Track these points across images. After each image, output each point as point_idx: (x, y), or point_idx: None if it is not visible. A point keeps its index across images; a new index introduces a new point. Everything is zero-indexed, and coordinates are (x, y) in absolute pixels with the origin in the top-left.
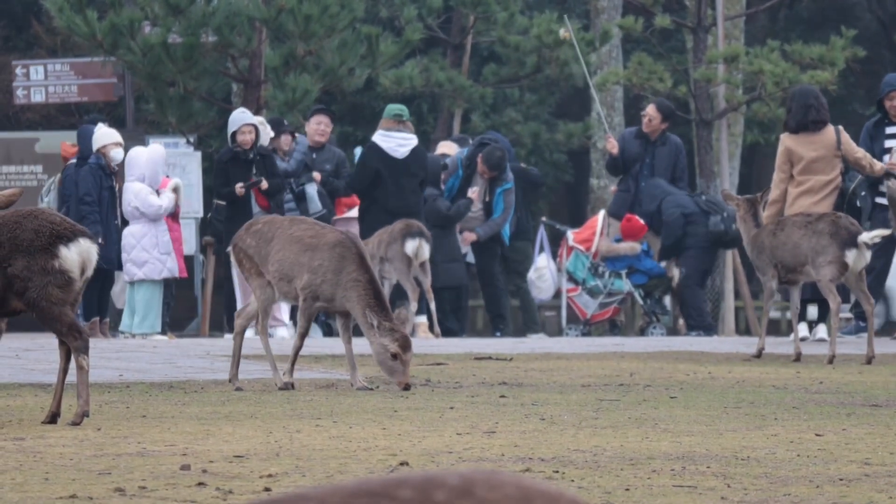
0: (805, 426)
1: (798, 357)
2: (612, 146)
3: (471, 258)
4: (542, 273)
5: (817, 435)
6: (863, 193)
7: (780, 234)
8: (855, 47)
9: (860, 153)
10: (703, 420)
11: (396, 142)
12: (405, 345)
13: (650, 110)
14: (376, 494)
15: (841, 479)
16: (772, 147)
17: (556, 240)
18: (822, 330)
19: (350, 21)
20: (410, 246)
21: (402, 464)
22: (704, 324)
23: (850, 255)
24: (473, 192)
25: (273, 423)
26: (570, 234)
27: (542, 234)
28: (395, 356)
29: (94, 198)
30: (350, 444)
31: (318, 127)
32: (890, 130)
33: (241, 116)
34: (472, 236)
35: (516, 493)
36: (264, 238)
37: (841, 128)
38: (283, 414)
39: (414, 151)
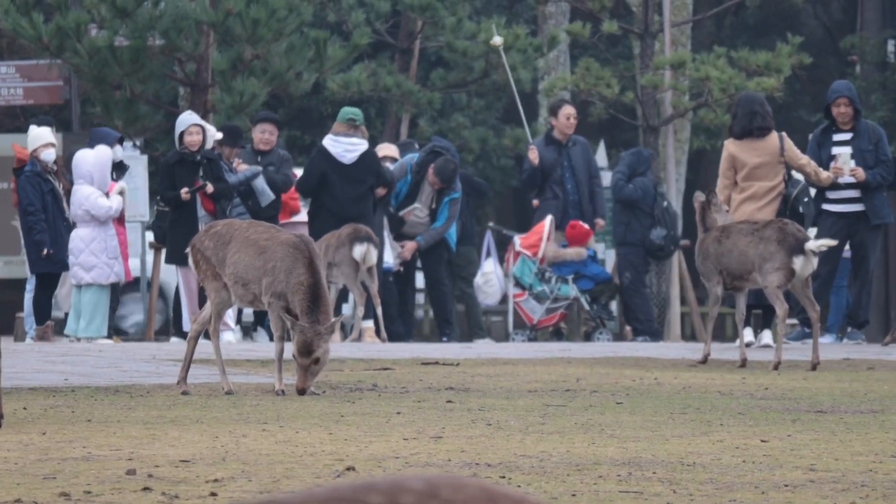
0: (750, 432)
1: (744, 363)
2: (534, 156)
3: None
4: (489, 278)
5: (763, 441)
6: (805, 199)
7: (725, 242)
8: (801, 54)
9: (804, 160)
10: (650, 426)
11: (344, 147)
12: (301, 349)
13: (571, 110)
14: (348, 500)
15: (786, 485)
16: (718, 153)
17: (503, 245)
18: (766, 336)
19: (298, 25)
20: (358, 251)
21: (348, 469)
22: (651, 329)
23: (798, 262)
24: (409, 213)
25: (219, 428)
26: (517, 240)
27: (488, 239)
28: (294, 356)
29: (38, 206)
30: (296, 448)
31: (262, 136)
32: (837, 137)
33: (188, 118)
34: (413, 245)
35: (481, 495)
36: (222, 241)
37: (784, 134)
38: (229, 418)
39: (362, 157)
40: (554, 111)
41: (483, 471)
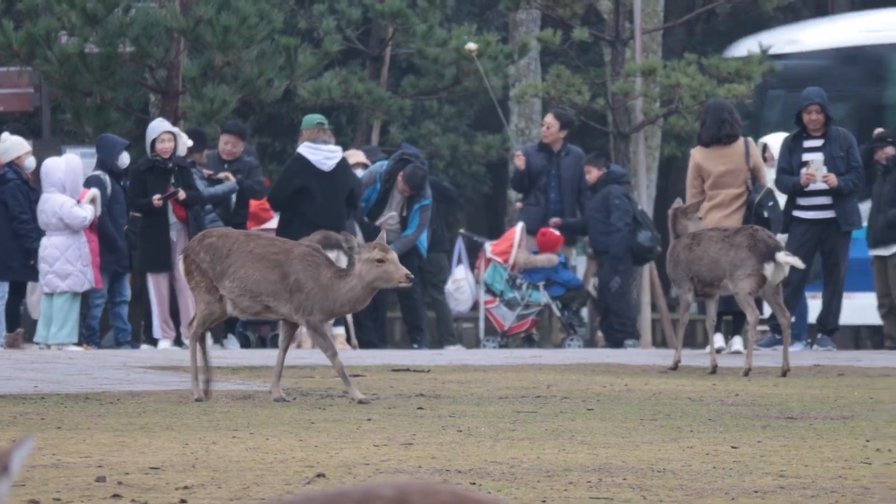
0: (721, 438)
1: (714, 369)
2: (521, 162)
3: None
4: (460, 285)
5: (733, 447)
6: (770, 204)
7: (696, 249)
8: (771, 61)
9: (762, 164)
10: (620, 432)
11: (324, 154)
12: (383, 248)
13: (548, 119)
14: None
15: (756, 492)
16: (688, 160)
17: (474, 252)
18: (737, 342)
19: (268, 32)
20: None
21: (318, 475)
22: (635, 332)
23: (769, 268)
24: (384, 222)
25: (189, 435)
26: (488, 246)
27: (459, 245)
28: (380, 261)
29: (29, 214)
30: (266, 455)
31: (226, 147)
32: (808, 144)
33: (160, 125)
34: None
35: (452, 500)
36: (219, 253)
37: (751, 140)
38: (199, 425)
39: (340, 164)
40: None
41: (453, 477)
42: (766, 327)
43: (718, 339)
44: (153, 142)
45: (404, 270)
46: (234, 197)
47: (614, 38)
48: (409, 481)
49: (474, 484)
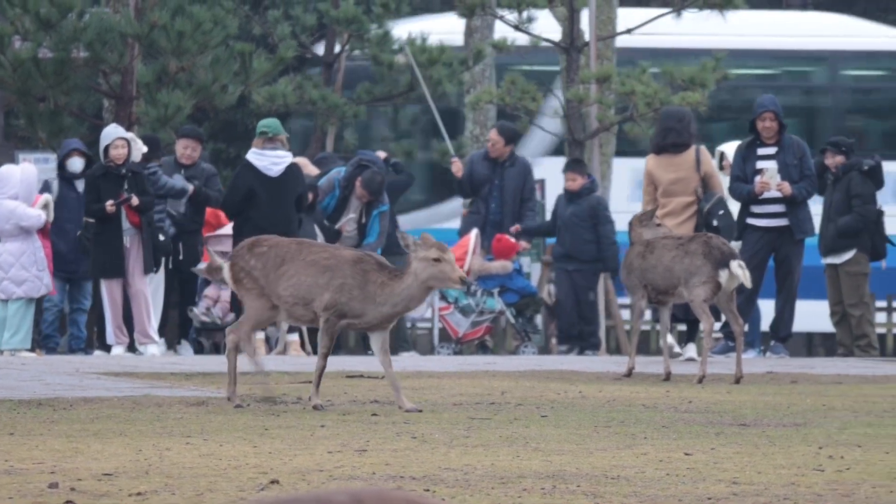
0: (674, 445)
1: (668, 376)
2: (458, 170)
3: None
4: None
5: (686, 454)
6: (721, 212)
7: (649, 257)
8: (725, 68)
9: (716, 171)
10: (574, 439)
11: (270, 160)
12: (441, 247)
13: (492, 135)
14: None
15: (709, 498)
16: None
17: None
18: (691, 349)
19: (223, 38)
20: None
21: (272, 482)
22: (598, 343)
23: (724, 276)
24: (343, 225)
25: (142, 441)
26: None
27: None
28: (437, 259)
29: None
30: (220, 461)
31: (185, 151)
32: (762, 151)
33: (113, 131)
34: None
35: None
36: (272, 262)
37: (703, 148)
38: (152, 432)
39: (289, 169)
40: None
41: (407, 483)
42: (719, 334)
43: (670, 340)
44: (107, 148)
45: (460, 272)
46: (184, 202)
47: (569, 44)
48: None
49: (428, 490)
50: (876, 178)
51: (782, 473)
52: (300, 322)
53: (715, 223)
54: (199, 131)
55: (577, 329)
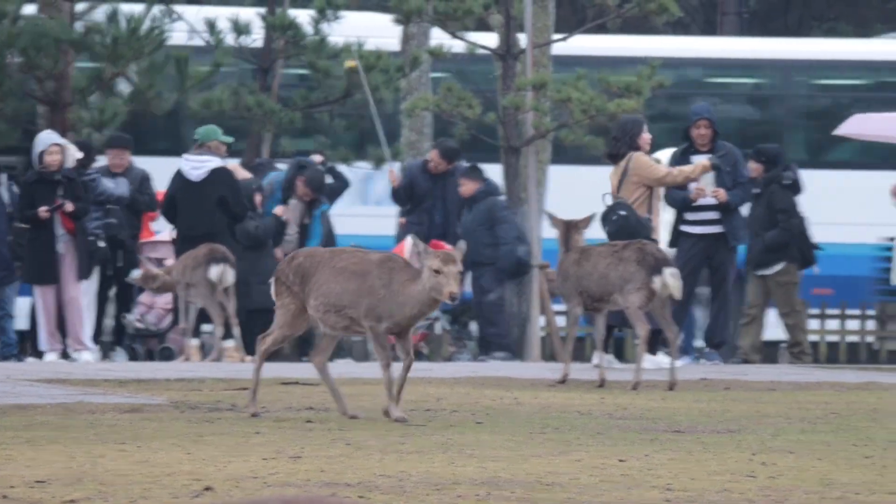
0: (608, 452)
1: (602, 383)
2: (394, 180)
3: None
4: None
5: (620, 460)
6: (613, 217)
7: (585, 264)
8: (661, 76)
9: (661, 172)
10: (509, 445)
11: (192, 164)
12: (446, 259)
13: (433, 156)
14: None
15: None
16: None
17: None
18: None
19: (159, 44)
20: (214, 271)
21: (206, 489)
22: (509, 346)
23: (657, 282)
24: (280, 210)
25: (76, 448)
26: None
27: None
28: (437, 271)
29: None
30: (154, 468)
31: (114, 161)
32: (696, 159)
33: (48, 137)
34: None
35: None
36: (307, 273)
37: (633, 155)
38: (86, 439)
39: (213, 172)
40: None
41: (342, 490)
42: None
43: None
44: (41, 154)
45: (452, 288)
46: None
47: (505, 51)
48: (298, 494)
49: (363, 497)
50: (795, 189)
51: (716, 480)
52: (335, 330)
53: (606, 228)
54: (125, 138)
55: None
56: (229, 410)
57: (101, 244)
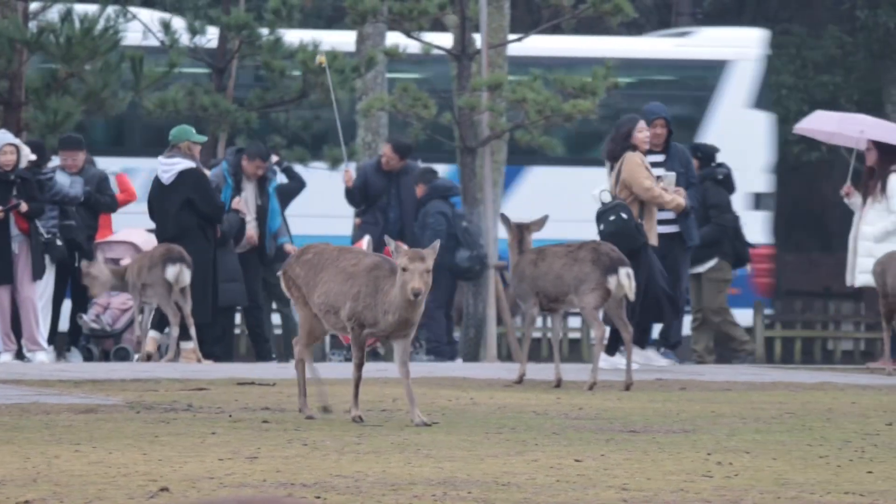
0: (565, 452)
1: (559, 383)
2: (349, 179)
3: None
4: None
5: (576, 460)
6: (611, 218)
7: (541, 264)
8: (616, 77)
9: (646, 184)
10: (465, 445)
11: (163, 168)
12: (413, 256)
13: (386, 151)
14: None
15: None
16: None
17: None
18: (643, 355)
19: (114, 44)
20: (171, 271)
21: (162, 489)
22: (448, 352)
23: (612, 281)
24: (238, 202)
25: (31, 449)
26: None
27: None
28: (403, 269)
29: None
30: (109, 469)
31: (66, 161)
32: (651, 158)
33: (1, 136)
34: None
35: None
36: (313, 269)
37: (627, 155)
38: (41, 439)
39: (181, 174)
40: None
41: (298, 491)
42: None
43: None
44: None
45: (414, 283)
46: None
47: (460, 52)
48: (254, 495)
49: (319, 498)
50: (729, 186)
51: (671, 479)
52: (336, 330)
53: (601, 227)
54: (76, 139)
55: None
56: (185, 411)
57: (59, 243)
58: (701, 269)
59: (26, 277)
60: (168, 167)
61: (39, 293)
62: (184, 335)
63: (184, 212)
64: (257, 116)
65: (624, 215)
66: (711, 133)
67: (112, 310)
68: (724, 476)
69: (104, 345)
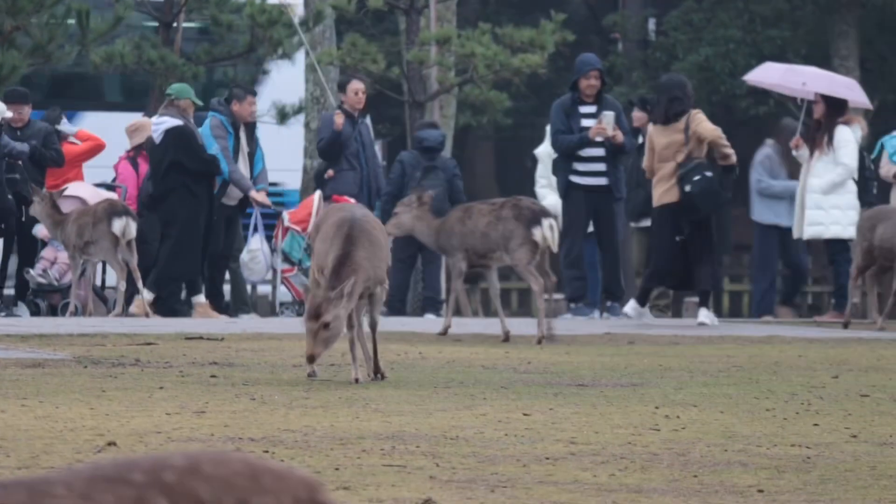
0: (513, 406)
1: (507, 337)
2: (341, 122)
3: None
4: (255, 255)
5: (525, 414)
6: (695, 178)
7: (468, 222)
8: (564, 31)
9: (718, 132)
10: (414, 400)
11: (153, 127)
12: (308, 313)
13: (359, 86)
14: (110, 479)
15: (547, 458)
16: (483, 129)
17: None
18: (703, 314)
19: None
20: (117, 224)
21: (109, 444)
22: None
23: (538, 233)
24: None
25: None
26: (286, 215)
27: (256, 215)
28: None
29: None
30: (56, 424)
31: (14, 116)
32: (584, 109)
33: None
34: (264, 195)
35: (244, 469)
36: (317, 230)
37: (693, 112)
38: None
39: (167, 133)
40: (342, 87)
41: (246, 445)
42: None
43: (704, 315)
44: None
45: (307, 350)
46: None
47: (409, 6)
48: (201, 450)
49: (267, 452)
50: None
51: (619, 433)
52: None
53: (687, 188)
54: (22, 92)
55: None
56: (133, 366)
57: (9, 197)
58: (648, 223)
59: None
60: (156, 126)
61: None
62: (132, 289)
63: (171, 171)
64: (205, 71)
65: (709, 174)
66: None
67: (59, 264)
68: (671, 429)
69: (52, 299)
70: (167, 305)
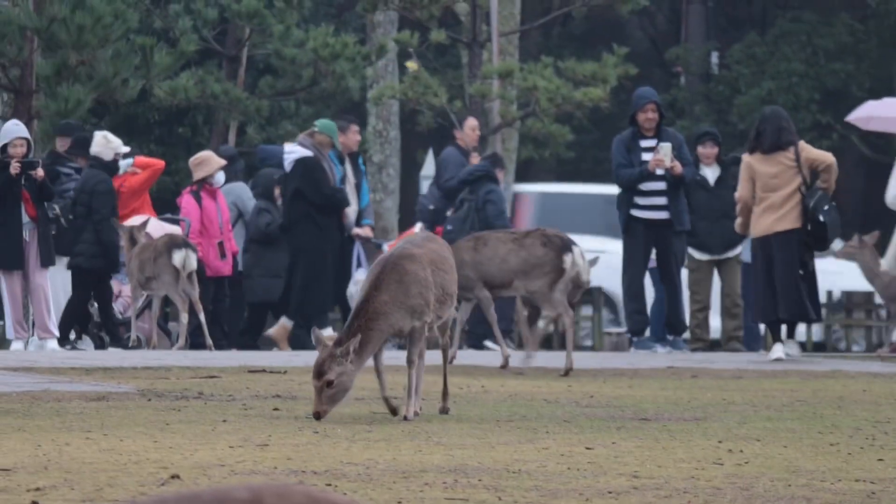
0: (575, 439)
1: (568, 371)
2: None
3: None
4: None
5: (587, 448)
6: (826, 207)
7: (483, 250)
8: (626, 65)
9: (828, 155)
10: (476, 433)
11: (285, 155)
12: (313, 371)
13: (475, 123)
14: None
15: (610, 492)
16: (545, 162)
17: (373, 255)
18: (780, 349)
19: (124, 31)
20: (177, 257)
21: (173, 477)
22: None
23: (568, 260)
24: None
25: (42, 436)
26: (386, 247)
27: (358, 248)
28: None
29: None
30: (120, 456)
31: (64, 148)
32: (644, 143)
33: (13, 129)
34: (368, 230)
35: (306, 501)
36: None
37: (801, 142)
38: (52, 427)
39: (296, 163)
40: (460, 123)
41: (309, 478)
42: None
43: (777, 350)
44: (5, 145)
45: (313, 407)
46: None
47: (471, 40)
48: (264, 483)
49: (330, 485)
50: None
51: (682, 467)
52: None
53: (821, 218)
54: (71, 126)
55: None
56: (196, 398)
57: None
58: (731, 253)
59: (36, 264)
60: (288, 154)
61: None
62: (195, 321)
63: (296, 201)
64: (268, 105)
65: (834, 204)
66: None
67: (123, 297)
68: (734, 464)
69: (115, 332)
70: (299, 340)
